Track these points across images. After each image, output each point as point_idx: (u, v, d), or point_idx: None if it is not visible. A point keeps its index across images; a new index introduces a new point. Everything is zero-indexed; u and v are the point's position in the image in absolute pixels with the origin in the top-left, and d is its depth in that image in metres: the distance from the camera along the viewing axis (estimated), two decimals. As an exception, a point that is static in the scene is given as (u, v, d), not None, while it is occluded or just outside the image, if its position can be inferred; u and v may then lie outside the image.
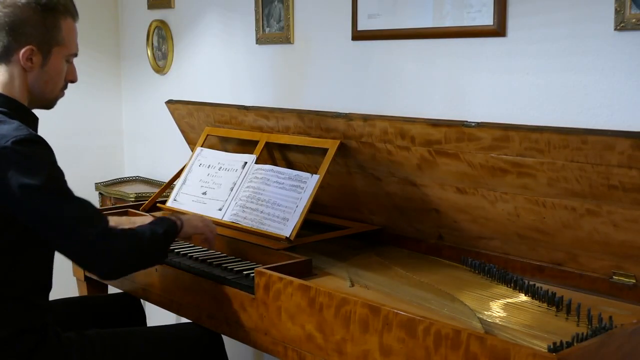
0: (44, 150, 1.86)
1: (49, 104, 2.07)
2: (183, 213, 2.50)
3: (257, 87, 3.20)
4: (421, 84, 2.53)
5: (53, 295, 2.04)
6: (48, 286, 2.00)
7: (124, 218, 2.44)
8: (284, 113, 2.56)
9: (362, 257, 2.35)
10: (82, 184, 3.91)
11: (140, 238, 1.94)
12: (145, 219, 2.42)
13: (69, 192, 1.87)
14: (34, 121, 2.02)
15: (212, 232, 2.24)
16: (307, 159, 2.56)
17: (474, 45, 2.36)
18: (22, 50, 1.93)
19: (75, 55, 2.05)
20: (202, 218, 2.26)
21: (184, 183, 2.75)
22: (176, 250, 2.41)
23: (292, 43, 3.00)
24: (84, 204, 1.88)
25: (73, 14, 2.02)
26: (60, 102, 2.11)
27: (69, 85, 2.08)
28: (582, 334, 1.61)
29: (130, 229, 1.97)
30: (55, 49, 1.97)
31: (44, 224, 1.84)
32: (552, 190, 1.93)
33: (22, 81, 1.96)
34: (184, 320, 2.32)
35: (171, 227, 2.05)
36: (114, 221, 2.35)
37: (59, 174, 1.88)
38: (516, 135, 1.92)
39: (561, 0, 2.14)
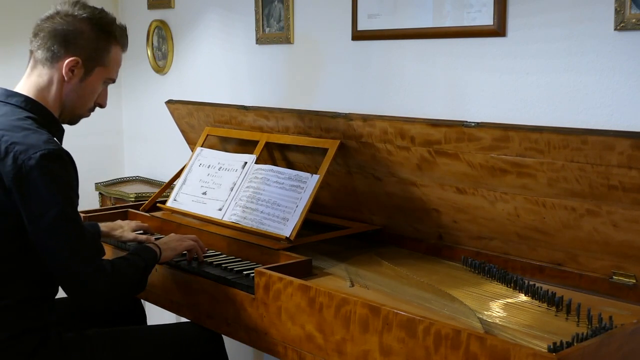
0: (68, 170, 1.90)
1: (73, 120, 2.11)
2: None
3: (257, 87, 3.20)
4: (421, 84, 2.53)
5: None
6: (53, 288, 2.01)
7: (113, 224, 2.48)
8: (284, 113, 2.56)
9: (362, 257, 2.35)
10: (82, 184, 3.90)
11: (125, 276, 2.00)
12: (138, 223, 2.46)
13: (75, 223, 1.90)
14: (60, 133, 2.06)
15: (194, 242, 2.29)
16: (307, 159, 2.56)
17: (474, 45, 2.36)
18: (68, 60, 1.97)
19: (113, 81, 2.10)
20: (178, 237, 2.29)
21: (184, 183, 2.75)
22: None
23: (292, 43, 3.00)
24: (85, 238, 1.92)
25: (124, 45, 2.09)
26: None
27: None
28: (582, 334, 1.61)
29: (117, 265, 1.99)
30: (98, 68, 2.02)
31: (44, 246, 1.87)
32: (552, 190, 1.93)
33: (58, 89, 2.00)
34: (184, 320, 2.33)
35: (152, 259, 2.13)
36: (105, 227, 2.39)
37: (74, 198, 1.92)
38: (516, 135, 1.92)
39: (561, 0, 2.14)
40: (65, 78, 1.98)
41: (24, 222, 1.85)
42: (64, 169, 1.88)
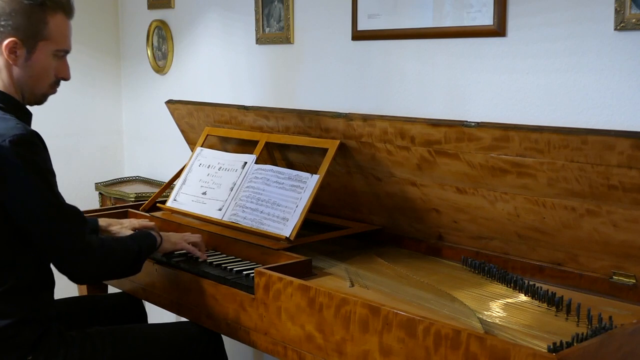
0: (39, 153, 1.88)
1: (38, 100, 2.06)
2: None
3: (257, 87, 3.20)
4: (421, 84, 2.53)
5: (54, 295, 2.05)
6: (51, 279, 2.01)
7: (112, 220, 2.47)
8: (284, 113, 2.56)
9: (362, 257, 2.35)
10: (82, 184, 3.95)
11: (114, 254, 2.03)
12: (142, 221, 2.47)
13: (57, 199, 1.91)
14: (27, 117, 2.04)
15: (196, 238, 2.32)
16: (307, 159, 2.56)
17: (474, 45, 2.36)
18: (5, 42, 1.93)
19: (66, 51, 2.03)
20: (181, 235, 2.32)
21: (184, 183, 2.75)
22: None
23: (292, 43, 3.00)
24: (69, 212, 1.93)
25: (65, 9, 2.00)
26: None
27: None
28: (582, 334, 1.61)
29: (107, 243, 2.03)
30: (40, 43, 1.96)
31: (31, 227, 1.88)
32: (552, 190, 1.93)
33: (8, 73, 1.97)
34: (184, 320, 2.32)
35: (150, 245, 2.16)
36: (104, 222, 2.40)
37: (51, 178, 1.91)
38: (516, 135, 1.92)
39: (561, 0, 2.14)
40: (10, 61, 1.95)
41: (7, 209, 1.85)
42: (35, 152, 1.87)
